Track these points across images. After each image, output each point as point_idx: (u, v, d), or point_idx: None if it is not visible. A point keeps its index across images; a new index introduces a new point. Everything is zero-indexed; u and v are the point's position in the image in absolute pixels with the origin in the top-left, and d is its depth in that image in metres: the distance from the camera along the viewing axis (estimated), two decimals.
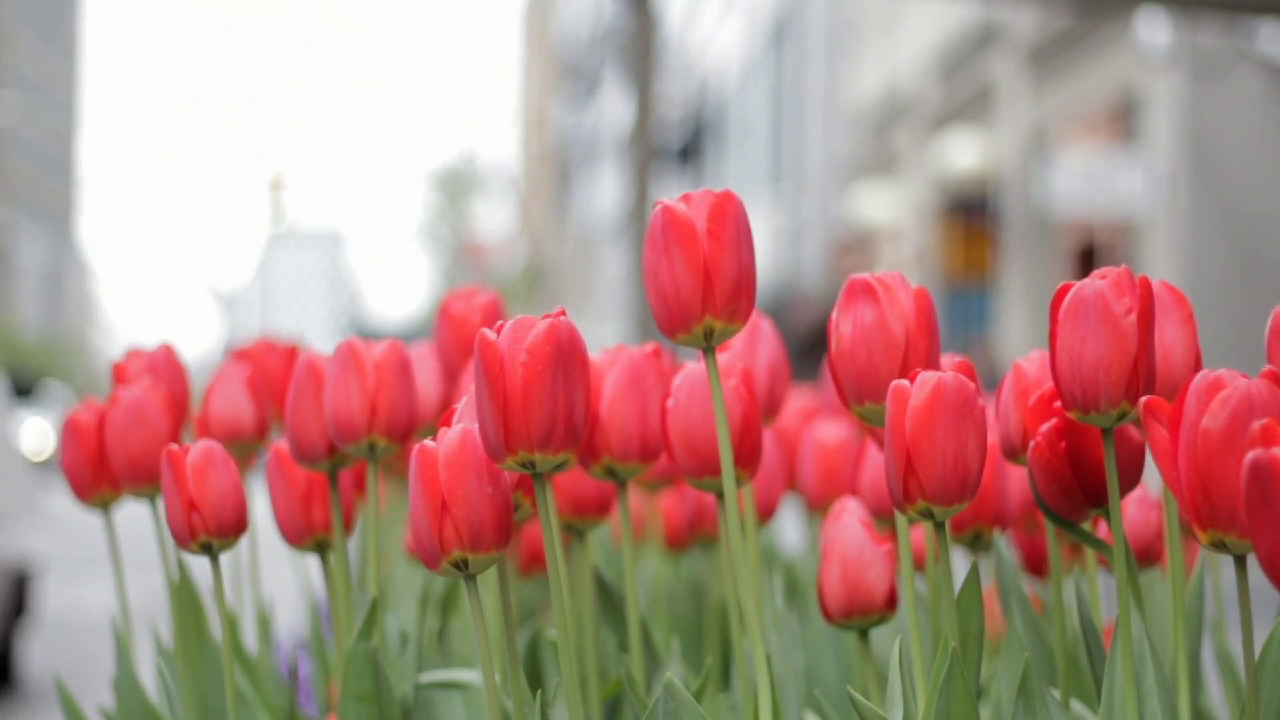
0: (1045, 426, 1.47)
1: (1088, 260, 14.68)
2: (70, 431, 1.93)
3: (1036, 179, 14.96)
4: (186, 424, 2.08)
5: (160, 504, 1.87)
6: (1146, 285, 1.35)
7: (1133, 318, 1.33)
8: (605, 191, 39.29)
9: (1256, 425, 1.05)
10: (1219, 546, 1.19)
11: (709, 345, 1.42)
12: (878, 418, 1.43)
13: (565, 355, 1.34)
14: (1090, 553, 1.64)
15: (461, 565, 1.37)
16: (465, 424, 1.39)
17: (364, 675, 1.65)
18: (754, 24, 26.93)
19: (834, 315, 1.46)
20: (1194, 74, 12.54)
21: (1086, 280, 1.35)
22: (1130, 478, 1.47)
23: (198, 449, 1.61)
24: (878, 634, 2.00)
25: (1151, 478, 1.47)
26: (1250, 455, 1.02)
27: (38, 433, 21.81)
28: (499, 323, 1.35)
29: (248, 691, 1.99)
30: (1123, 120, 14.05)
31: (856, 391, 1.44)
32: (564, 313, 1.36)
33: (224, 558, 2.60)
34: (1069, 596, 1.79)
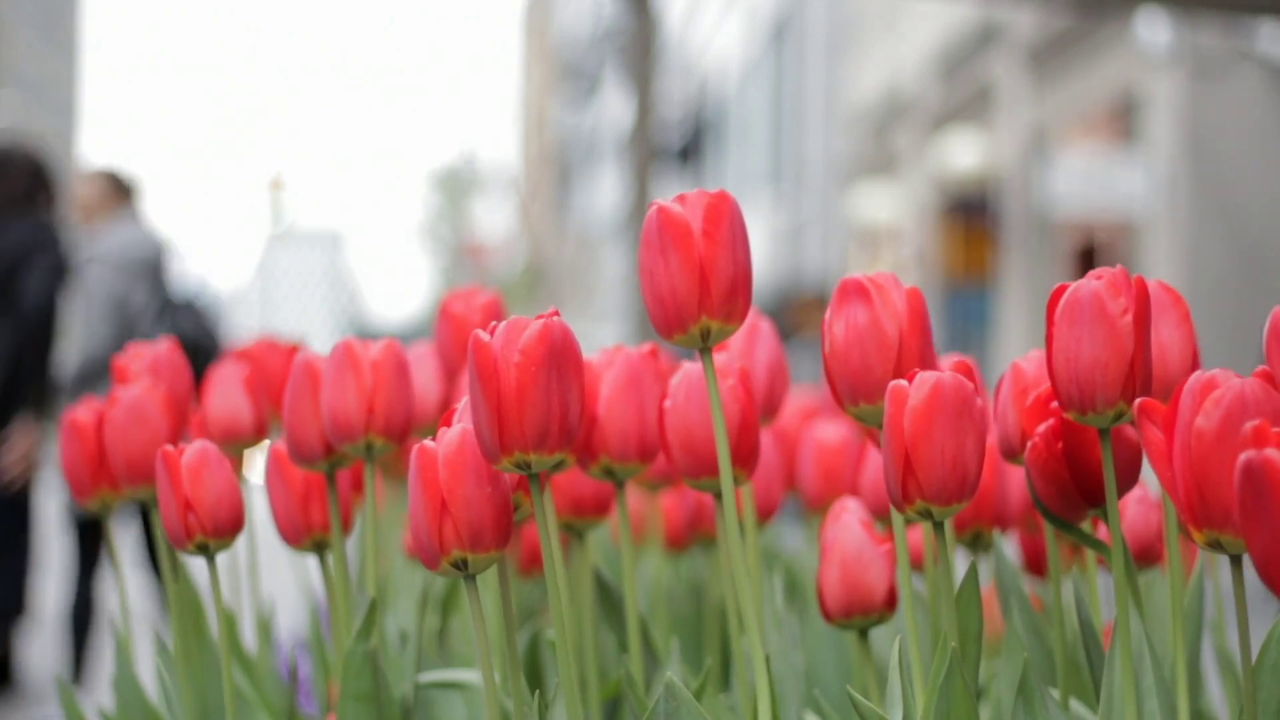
0: (1042, 427, 1.47)
1: (1088, 260, 14.66)
2: (69, 432, 1.92)
3: (1036, 179, 14.95)
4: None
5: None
6: (1142, 285, 1.35)
7: (1129, 318, 1.33)
8: (605, 191, 39.24)
9: (1249, 426, 1.05)
10: (1214, 546, 1.19)
11: (705, 345, 1.42)
12: (872, 418, 1.43)
13: (559, 355, 1.33)
14: (1090, 553, 1.64)
15: (461, 565, 1.37)
16: (465, 424, 1.39)
17: (363, 675, 1.65)
18: (754, 24, 26.90)
19: (827, 316, 1.46)
20: (1194, 74, 12.52)
21: (1083, 281, 1.34)
22: (1128, 478, 1.47)
23: (193, 449, 1.61)
24: (877, 634, 2.00)
25: (1151, 478, 1.47)
26: (1243, 456, 1.02)
27: None
28: (493, 324, 1.35)
29: (247, 691, 1.99)
30: (1123, 120, 14.04)
31: (850, 392, 1.44)
32: (557, 313, 1.36)
33: (224, 557, 2.60)
34: (1068, 596, 1.79)
